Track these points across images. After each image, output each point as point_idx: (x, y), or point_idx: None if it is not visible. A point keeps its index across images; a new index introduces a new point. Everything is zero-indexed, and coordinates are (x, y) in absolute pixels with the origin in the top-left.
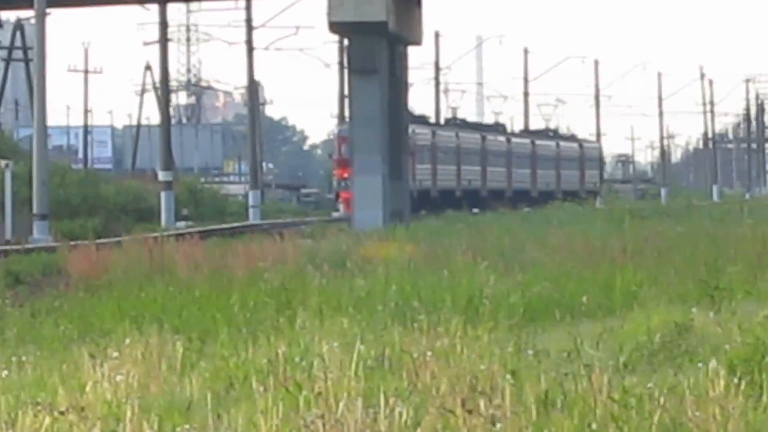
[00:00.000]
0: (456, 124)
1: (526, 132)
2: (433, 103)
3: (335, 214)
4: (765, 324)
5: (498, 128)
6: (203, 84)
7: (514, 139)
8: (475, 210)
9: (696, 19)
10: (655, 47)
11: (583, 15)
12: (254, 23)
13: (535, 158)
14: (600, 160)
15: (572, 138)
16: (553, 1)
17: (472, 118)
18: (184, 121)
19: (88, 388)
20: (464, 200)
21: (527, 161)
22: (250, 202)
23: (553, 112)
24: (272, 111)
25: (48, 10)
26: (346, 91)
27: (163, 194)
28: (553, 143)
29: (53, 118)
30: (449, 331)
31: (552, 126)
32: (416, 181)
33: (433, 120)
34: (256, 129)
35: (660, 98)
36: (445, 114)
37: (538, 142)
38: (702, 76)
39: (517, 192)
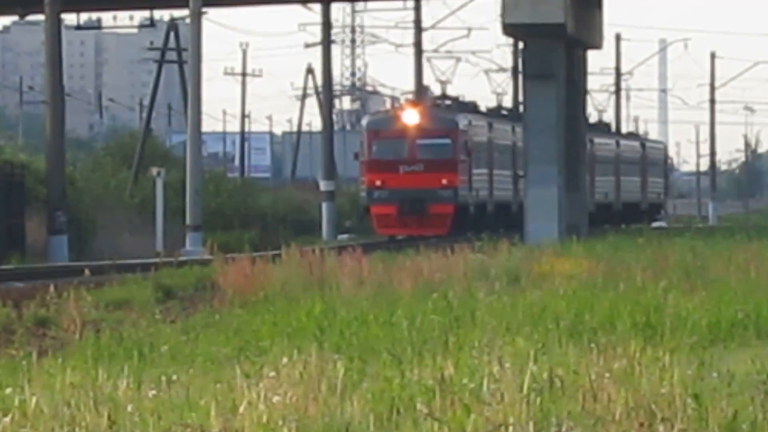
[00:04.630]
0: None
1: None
2: (613, 111)
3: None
4: None
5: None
6: (368, 88)
7: (622, 142)
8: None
9: None
10: None
11: None
12: (423, 24)
13: (618, 163)
14: (664, 165)
15: (632, 136)
16: (742, 3)
17: (654, 127)
18: (348, 127)
19: (242, 410)
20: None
21: (635, 168)
22: None
23: (751, 119)
24: None
25: (204, 9)
26: (520, 98)
27: (324, 205)
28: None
29: (208, 124)
30: (627, 352)
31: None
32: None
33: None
34: None
35: None
36: (625, 122)
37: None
38: None
39: (626, 204)
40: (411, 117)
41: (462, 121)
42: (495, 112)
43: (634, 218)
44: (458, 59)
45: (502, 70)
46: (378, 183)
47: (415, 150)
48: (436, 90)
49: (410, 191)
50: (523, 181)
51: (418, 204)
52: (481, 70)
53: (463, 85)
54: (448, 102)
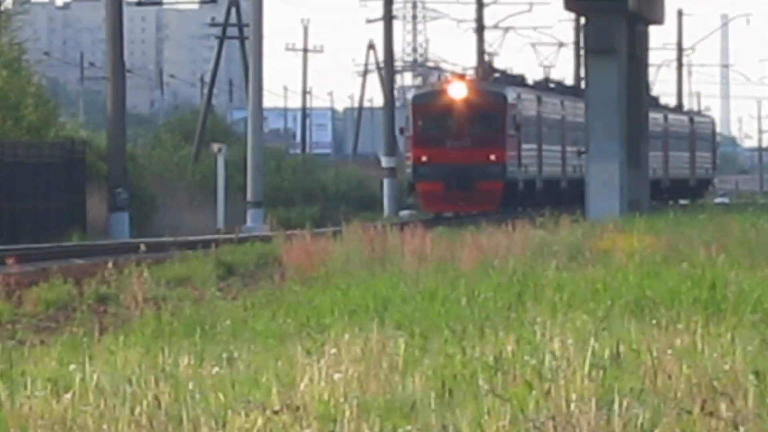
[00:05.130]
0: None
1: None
2: (675, 86)
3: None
4: None
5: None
6: (430, 64)
7: (670, 116)
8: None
9: None
10: None
11: None
12: (485, 0)
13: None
14: (712, 139)
15: (680, 110)
16: None
17: (716, 102)
18: None
19: (303, 387)
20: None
21: (684, 143)
22: None
23: None
24: None
25: None
26: (582, 73)
27: (386, 181)
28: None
29: (269, 100)
30: (689, 328)
31: None
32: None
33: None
34: None
35: None
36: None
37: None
38: None
39: (674, 180)
40: (458, 91)
41: (510, 94)
42: (542, 86)
43: (682, 194)
44: (506, 30)
45: (550, 44)
46: (424, 159)
47: (463, 124)
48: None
49: (457, 167)
50: (581, 157)
51: (465, 180)
52: (528, 43)
53: (512, 59)
54: (496, 75)
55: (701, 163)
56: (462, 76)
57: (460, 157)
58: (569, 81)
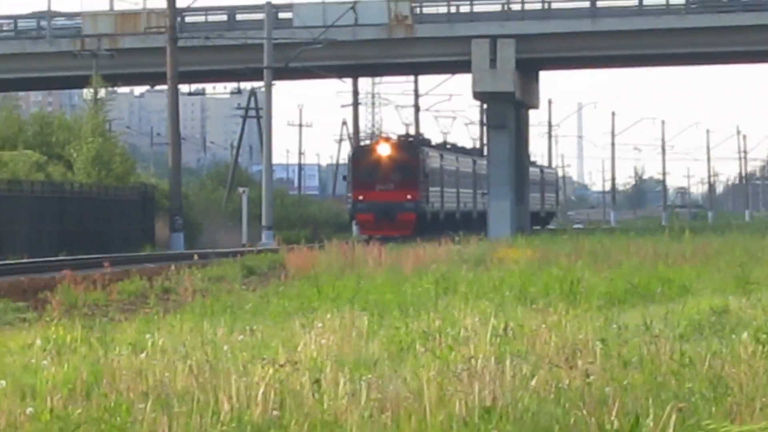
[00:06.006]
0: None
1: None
2: (546, 150)
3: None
4: None
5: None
6: (383, 135)
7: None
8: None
9: (737, 87)
10: (706, 109)
11: (655, 83)
12: (420, 91)
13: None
14: (556, 184)
15: (534, 164)
16: (635, 74)
17: (574, 161)
18: None
19: (299, 348)
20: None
21: (537, 187)
22: None
23: (639, 156)
24: None
25: (273, 82)
26: (485, 140)
27: None
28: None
29: (276, 158)
30: (556, 310)
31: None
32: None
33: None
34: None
35: (708, 148)
36: (555, 157)
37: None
38: (738, 132)
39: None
40: (384, 149)
41: (421, 152)
42: (442, 146)
43: (535, 222)
44: (417, 109)
45: (470, 123)
46: (360, 197)
47: (387, 173)
48: (430, 136)
49: (384, 204)
50: (484, 197)
51: (390, 213)
52: (433, 116)
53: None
54: (410, 138)
55: (548, 201)
56: (387, 138)
57: (386, 197)
58: (462, 144)
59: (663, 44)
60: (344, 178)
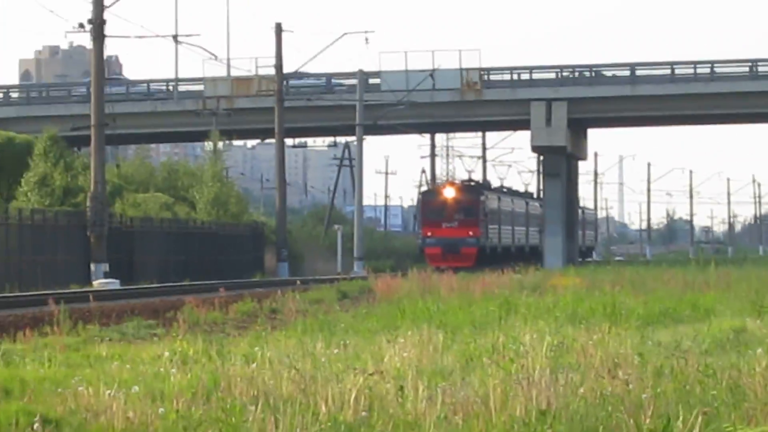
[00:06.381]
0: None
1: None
2: (592, 196)
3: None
4: None
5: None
6: (449, 180)
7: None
8: None
9: (754, 141)
10: (727, 161)
11: (685, 139)
12: (487, 145)
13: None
14: (595, 223)
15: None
16: (668, 131)
17: (616, 204)
18: None
19: (385, 360)
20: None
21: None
22: None
23: (670, 200)
24: None
25: (364, 137)
26: (540, 186)
27: None
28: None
29: (366, 200)
30: (601, 329)
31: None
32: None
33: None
34: None
35: (728, 193)
36: (600, 203)
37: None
38: (753, 180)
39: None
40: (449, 192)
41: (481, 195)
42: (500, 190)
43: (581, 255)
44: (484, 160)
45: (531, 172)
46: (429, 234)
47: (452, 212)
48: (494, 182)
49: (449, 239)
50: (539, 233)
51: (454, 247)
52: (509, 167)
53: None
54: (472, 182)
55: (588, 237)
56: (452, 183)
57: (451, 233)
58: (516, 188)
59: (691, 107)
60: (414, 217)
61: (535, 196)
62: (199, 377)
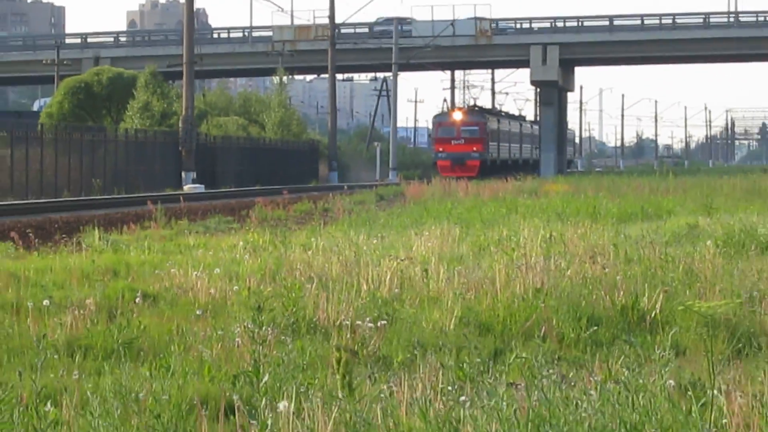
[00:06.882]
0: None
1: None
2: (578, 120)
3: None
4: (734, 224)
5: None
6: (457, 106)
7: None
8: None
9: (707, 77)
10: (685, 91)
11: (652, 75)
12: (495, 79)
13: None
14: (573, 141)
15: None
16: (640, 69)
17: (596, 126)
18: None
19: (413, 249)
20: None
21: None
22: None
23: (639, 123)
24: None
25: (398, 73)
26: (537, 112)
27: None
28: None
29: (399, 123)
30: (584, 225)
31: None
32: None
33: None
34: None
35: (685, 119)
36: (584, 126)
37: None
38: (705, 107)
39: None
40: (457, 115)
41: (484, 117)
42: (500, 113)
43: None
44: (493, 92)
45: (527, 101)
46: (440, 149)
47: (459, 132)
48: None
49: (457, 153)
50: (528, 149)
51: (461, 160)
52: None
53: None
54: (476, 107)
55: (569, 152)
56: (460, 108)
57: (459, 149)
58: (513, 112)
59: (657, 50)
60: (428, 135)
61: (528, 119)
62: (266, 261)
